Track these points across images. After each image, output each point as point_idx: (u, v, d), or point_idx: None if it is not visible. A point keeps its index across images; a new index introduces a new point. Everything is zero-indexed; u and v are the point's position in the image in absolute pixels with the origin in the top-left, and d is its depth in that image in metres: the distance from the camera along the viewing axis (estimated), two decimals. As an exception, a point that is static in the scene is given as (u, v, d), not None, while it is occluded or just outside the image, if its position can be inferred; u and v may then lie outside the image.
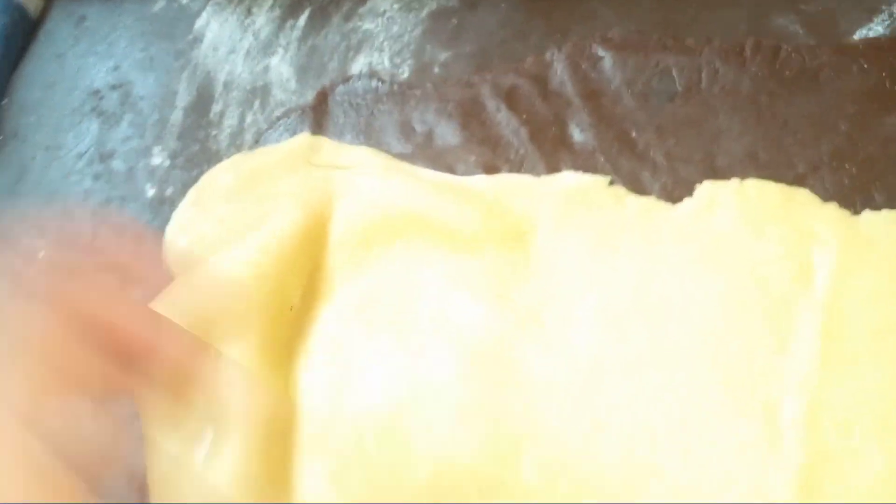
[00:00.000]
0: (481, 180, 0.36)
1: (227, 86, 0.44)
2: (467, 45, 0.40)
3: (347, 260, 0.35)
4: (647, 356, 0.29)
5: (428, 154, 0.38)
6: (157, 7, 0.49)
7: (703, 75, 0.35)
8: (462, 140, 0.37)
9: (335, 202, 0.36)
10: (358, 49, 0.42)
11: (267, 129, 0.42)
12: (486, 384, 0.31)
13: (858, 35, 0.34)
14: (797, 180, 0.32)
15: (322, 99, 0.41)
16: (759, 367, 0.28)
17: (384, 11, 0.43)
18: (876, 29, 0.34)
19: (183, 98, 0.44)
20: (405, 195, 0.35)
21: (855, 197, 0.31)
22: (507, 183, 0.35)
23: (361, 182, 0.37)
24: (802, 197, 0.31)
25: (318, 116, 0.41)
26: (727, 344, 0.29)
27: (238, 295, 0.33)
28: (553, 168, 0.35)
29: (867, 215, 0.30)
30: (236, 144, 0.42)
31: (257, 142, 0.42)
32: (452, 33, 0.41)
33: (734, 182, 0.32)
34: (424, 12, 0.42)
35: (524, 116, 0.37)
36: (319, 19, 0.44)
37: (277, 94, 0.43)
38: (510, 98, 0.38)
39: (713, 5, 0.37)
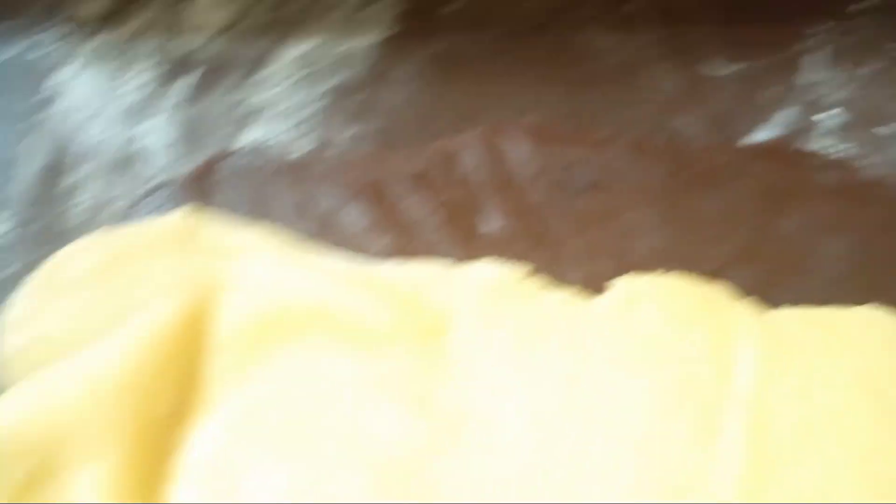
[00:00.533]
0: (392, 269, 0.33)
1: (87, 154, 0.39)
2: (373, 122, 0.39)
3: (233, 362, 0.31)
4: (576, 466, 0.28)
5: (330, 238, 0.35)
6: (4, 57, 0.44)
7: (613, 170, 0.36)
8: (369, 223, 0.35)
9: (220, 293, 0.32)
10: (250, 120, 0.39)
11: (139, 202, 0.37)
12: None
13: (752, 138, 0.36)
14: (711, 276, 0.32)
15: (207, 170, 0.38)
16: (688, 473, 0.28)
17: (281, 81, 0.40)
18: (765, 135, 0.36)
19: (30, 164, 0.39)
20: (305, 285, 0.32)
21: (765, 295, 0.32)
22: (420, 273, 0.33)
23: (253, 269, 0.33)
24: (719, 293, 0.31)
25: (201, 189, 0.37)
26: (657, 450, 0.28)
27: (94, 406, 0.28)
28: (468, 258, 0.34)
29: (781, 313, 0.31)
30: (97, 220, 0.37)
31: (127, 217, 0.37)
32: (357, 110, 0.39)
33: (652, 276, 0.32)
34: (326, 86, 0.40)
35: (435, 202, 0.35)
36: (204, 85, 0.40)
37: (154, 163, 0.38)
38: (420, 181, 0.36)
39: (620, 100, 0.38)
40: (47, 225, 0.37)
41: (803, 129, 0.36)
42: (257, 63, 0.41)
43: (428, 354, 0.30)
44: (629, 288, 0.32)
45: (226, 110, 0.39)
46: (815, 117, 0.36)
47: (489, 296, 0.32)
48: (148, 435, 0.29)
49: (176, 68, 0.41)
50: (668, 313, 0.30)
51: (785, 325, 0.30)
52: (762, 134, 0.36)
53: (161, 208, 0.37)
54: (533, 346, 0.30)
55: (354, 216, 0.35)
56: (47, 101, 0.41)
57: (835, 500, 0.26)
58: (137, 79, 0.41)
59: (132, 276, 0.33)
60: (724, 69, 0.39)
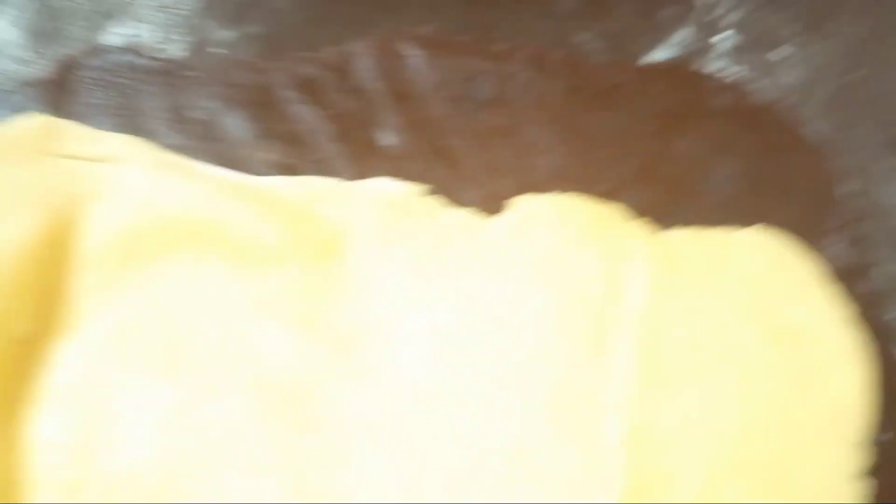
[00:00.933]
0: (280, 182, 0.31)
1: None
2: (254, 25, 0.35)
3: (102, 278, 0.28)
4: (473, 383, 0.28)
5: (210, 148, 0.32)
6: None
7: (513, 84, 0.35)
8: (253, 134, 0.33)
9: (85, 204, 0.29)
10: (112, 15, 0.35)
11: (-16, 105, 0.32)
12: (289, 428, 0.27)
13: (651, 57, 0.36)
14: (607, 196, 0.32)
15: (64, 71, 0.33)
16: (582, 388, 0.28)
17: (149, -27, 0.36)
18: (664, 54, 0.36)
19: None
20: (184, 196, 0.30)
21: (660, 215, 0.32)
22: (313, 187, 0.31)
23: (122, 178, 0.30)
24: (615, 213, 0.31)
25: (58, 94, 0.33)
26: (553, 365, 0.28)
27: None
28: (362, 173, 0.32)
29: (673, 233, 0.31)
30: (-65, 122, 0.32)
31: (-31, 121, 0.32)
32: (236, 10, 0.35)
33: (549, 196, 0.32)
34: (201, -19, 0.36)
35: (327, 113, 0.33)
36: (58, -28, 0.35)
37: (3, 61, 0.33)
38: (310, 90, 0.34)
39: (519, 11, 0.37)
40: None
41: (700, 49, 0.36)
42: (120, -49, 0.36)
43: (320, 273, 0.29)
44: (526, 207, 0.31)
45: (84, 3, 0.35)
46: (712, 39, 0.36)
47: (387, 213, 0.30)
48: (3, 358, 0.26)
49: (23, -50, 0.36)
50: (563, 232, 0.30)
51: (676, 246, 0.31)
52: (660, 53, 0.36)
53: (13, 113, 0.32)
54: (431, 264, 0.29)
55: (237, 126, 0.33)
56: None
57: (723, 415, 0.27)
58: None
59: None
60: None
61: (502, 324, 0.29)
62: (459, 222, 0.31)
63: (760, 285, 0.30)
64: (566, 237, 0.30)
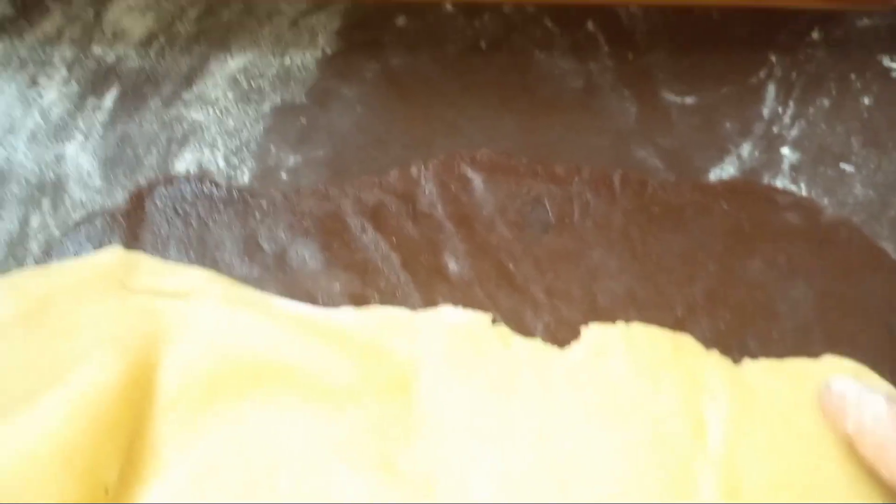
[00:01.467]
0: (350, 314, 0.32)
1: (3, 175, 0.35)
2: (319, 148, 0.36)
3: (181, 422, 0.29)
4: None
5: (281, 279, 0.33)
6: None
7: (575, 207, 0.35)
8: (323, 264, 0.33)
9: (163, 345, 0.30)
10: (183, 142, 0.36)
11: (62, 237, 0.34)
12: None
13: (713, 174, 0.36)
14: (677, 323, 0.32)
15: (138, 202, 0.34)
16: None
17: (216, 100, 0.37)
18: (728, 169, 0.36)
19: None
20: (258, 335, 0.30)
21: (731, 343, 0.32)
22: (382, 318, 0.31)
23: (199, 316, 0.31)
24: (688, 344, 0.31)
25: (132, 224, 0.34)
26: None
27: (34, 478, 0.25)
28: (429, 300, 0.32)
29: (748, 365, 0.31)
30: (16, 256, 0.33)
31: (47, 254, 0.33)
32: (301, 134, 0.37)
33: (620, 326, 0.32)
34: (266, 106, 0.37)
35: (394, 240, 0.34)
36: (132, 101, 0.37)
37: (76, 193, 0.35)
38: (376, 217, 0.34)
39: (577, 130, 0.37)
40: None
41: (764, 165, 0.36)
42: (187, 79, 0.38)
43: (392, 412, 0.29)
44: (598, 338, 0.31)
45: (155, 132, 0.36)
46: (776, 153, 0.36)
47: (456, 345, 0.31)
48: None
49: (97, 82, 0.37)
50: (639, 365, 0.30)
51: (753, 378, 0.30)
52: (724, 170, 0.36)
53: (87, 244, 0.33)
54: (502, 400, 0.29)
55: (306, 256, 0.33)
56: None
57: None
58: (51, 92, 0.37)
59: (57, 325, 0.30)
60: (682, 98, 0.38)
61: (577, 464, 0.28)
62: (529, 354, 0.31)
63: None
64: (642, 370, 0.30)
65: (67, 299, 0.31)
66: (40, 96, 0.37)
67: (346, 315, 0.31)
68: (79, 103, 0.37)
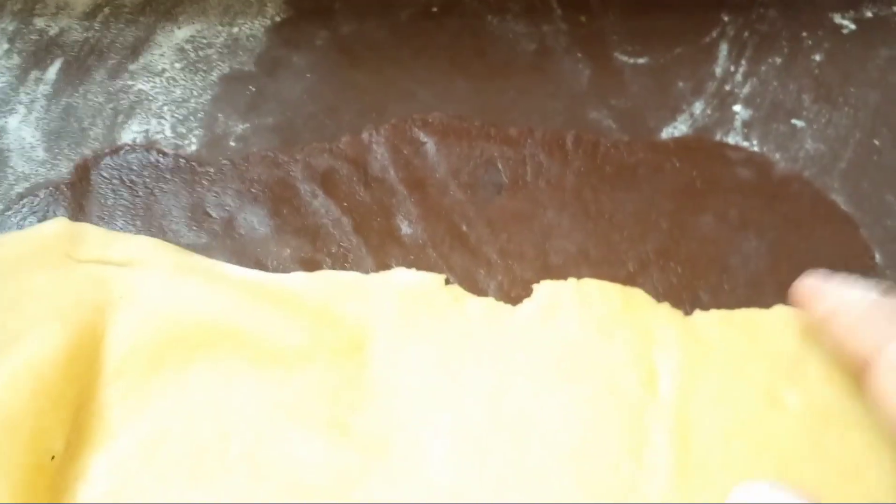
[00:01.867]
0: (301, 279, 0.31)
1: (-58, 152, 0.34)
2: (269, 116, 0.36)
3: (129, 389, 0.28)
4: (508, 480, 0.27)
5: (229, 246, 0.32)
6: None
7: (528, 168, 0.35)
8: (272, 229, 0.33)
9: (110, 314, 0.29)
10: (130, 113, 0.36)
11: (3, 211, 0.33)
12: None
13: (665, 133, 0.36)
14: (629, 279, 0.32)
15: (83, 173, 0.34)
16: (618, 483, 0.28)
17: (163, 70, 0.37)
18: (680, 128, 0.36)
19: None
20: (206, 300, 0.30)
21: (683, 296, 0.32)
22: (333, 282, 0.31)
23: (145, 284, 0.30)
24: (639, 297, 0.31)
25: (77, 195, 0.33)
26: (586, 462, 0.28)
27: None
28: (382, 264, 0.32)
29: (700, 316, 0.31)
30: (-43, 230, 0.33)
31: (-10, 227, 0.33)
32: (250, 102, 0.36)
33: (572, 282, 0.32)
34: (214, 75, 0.37)
35: (345, 204, 0.33)
36: (76, 73, 0.36)
37: (19, 165, 0.34)
38: (327, 182, 0.34)
39: (530, 93, 0.37)
40: None
41: (716, 122, 0.36)
42: (133, 51, 0.37)
43: (345, 373, 0.29)
44: (549, 295, 0.31)
45: (100, 104, 0.36)
46: (728, 111, 0.36)
47: (408, 307, 0.30)
48: (39, 476, 0.26)
49: (39, 54, 0.37)
50: (590, 319, 0.30)
51: (704, 328, 0.30)
52: (677, 128, 0.36)
53: (31, 217, 0.33)
54: (456, 360, 0.29)
55: (256, 222, 0.33)
56: None
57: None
58: (-5, 65, 0.36)
59: (6, 290, 0.30)
60: (635, 59, 0.38)
61: (532, 420, 0.28)
62: (482, 312, 0.31)
63: (793, 366, 0.29)
64: (593, 325, 0.30)
65: (10, 272, 0.30)
66: (-20, 70, 0.36)
67: (297, 280, 0.31)
68: (21, 76, 0.36)
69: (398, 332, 0.30)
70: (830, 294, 0.27)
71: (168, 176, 0.34)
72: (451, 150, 0.35)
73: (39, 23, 0.37)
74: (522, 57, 0.38)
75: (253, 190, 0.34)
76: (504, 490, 0.27)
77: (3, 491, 0.25)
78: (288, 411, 0.28)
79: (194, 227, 0.33)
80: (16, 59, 0.36)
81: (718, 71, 0.38)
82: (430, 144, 0.35)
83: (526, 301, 0.31)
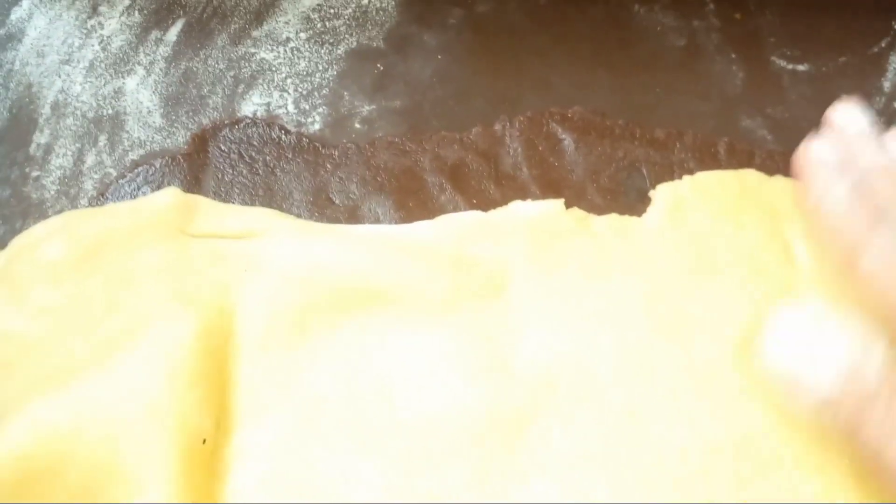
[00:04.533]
0: (426, 227, 0.29)
1: (58, 108, 0.32)
2: (396, 98, 0.33)
3: (276, 362, 0.26)
4: (680, 386, 0.26)
5: (352, 235, 0.30)
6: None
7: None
8: (398, 223, 0.30)
9: (237, 288, 0.27)
10: (251, 83, 0.33)
11: (118, 178, 0.31)
12: (510, 479, 0.25)
13: (826, 149, 0.32)
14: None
15: (200, 144, 0.32)
16: None
17: (287, 39, 0.34)
18: (842, 145, 0.32)
19: (-10, 115, 0.32)
20: (341, 262, 0.28)
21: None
22: (459, 225, 0.29)
23: (272, 253, 0.28)
24: (752, 177, 0.30)
25: (194, 168, 0.31)
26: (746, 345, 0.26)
27: (123, 441, 0.24)
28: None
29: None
30: (69, 195, 0.31)
31: (103, 195, 0.31)
32: (377, 82, 0.33)
33: (687, 179, 0.31)
34: (341, 49, 0.34)
35: (474, 202, 0.31)
36: (197, 35, 0.34)
37: (135, 130, 0.32)
38: (456, 176, 0.31)
39: (678, 93, 0.34)
40: (10, 198, 0.30)
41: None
42: (257, 16, 0.34)
43: (493, 315, 0.27)
44: (669, 196, 0.30)
45: (221, 71, 0.33)
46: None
47: (537, 237, 0.29)
48: (194, 460, 0.24)
49: (161, 13, 0.34)
50: (717, 211, 0.29)
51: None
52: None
53: (145, 186, 0.31)
54: (599, 277, 0.28)
55: (379, 212, 0.30)
56: (11, 40, 0.33)
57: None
58: (112, 22, 0.34)
59: (112, 271, 0.28)
60: (794, 65, 0.34)
61: (689, 319, 0.27)
62: (609, 227, 0.29)
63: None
64: (720, 215, 0.29)
65: (122, 244, 0.28)
66: (101, 26, 0.34)
67: (423, 229, 0.29)
68: (141, 35, 0.34)
69: (535, 263, 0.28)
70: (819, 187, 0.25)
71: (290, 155, 0.31)
72: (591, 150, 0.32)
73: (162, -21, 0.35)
74: (670, 53, 0.35)
75: (379, 178, 0.31)
76: (679, 396, 0.26)
77: (161, 480, 0.23)
78: (447, 361, 0.26)
79: (316, 214, 0.30)
80: (136, 17, 0.34)
81: (887, 86, 0.34)
82: (568, 141, 0.32)
83: (650, 208, 0.30)
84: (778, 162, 0.32)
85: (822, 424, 0.22)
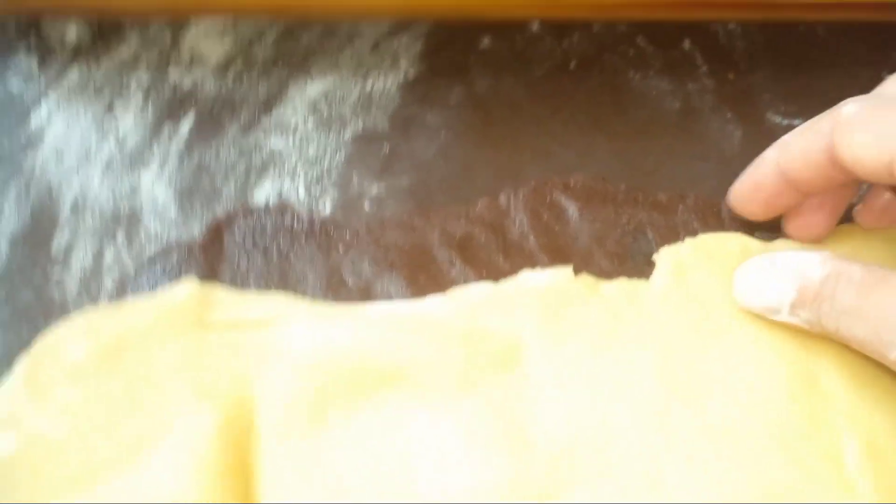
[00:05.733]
0: (439, 302, 0.30)
1: (78, 208, 0.33)
2: (403, 177, 0.34)
3: (296, 449, 0.27)
4: (700, 449, 0.26)
5: (366, 314, 0.30)
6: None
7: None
8: (411, 296, 0.31)
9: (255, 379, 0.28)
10: (262, 171, 0.34)
11: (136, 272, 0.32)
12: None
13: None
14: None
15: (215, 234, 0.32)
16: (803, 415, 0.27)
17: (296, 126, 0.35)
18: (844, 196, 0.33)
19: (10, 222, 0.33)
20: (357, 344, 0.28)
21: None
22: (471, 299, 0.30)
23: (288, 340, 0.29)
24: (749, 242, 0.31)
25: (209, 258, 0.32)
26: (769, 404, 0.27)
27: None
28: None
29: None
30: (90, 292, 0.31)
31: (122, 290, 0.31)
32: (384, 162, 0.34)
33: (688, 241, 0.31)
34: (347, 134, 0.35)
35: (484, 273, 0.31)
36: (209, 128, 0.35)
37: (151, 225, 0.33)
38: (465, 249, 0.32)
39: (677, 155, 0.34)
40: (32, 300, 0.31)
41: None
42: (265, 105, 0.36)
43: (509, 388, 0.28)
44: (672, 258, 0.30)
45: (233, 161, 0.34)
46: None
47: (549, 305, 0.29)
48: None
49: (173, 108, 0.35)
50: (721, 271, 0.29)
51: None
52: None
53: (163, 279, 0.32)
54: (613, 344, 0.28)
55: (391, 290, 0.31)
56: (31, 144, 0.35)
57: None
58: (128, 119, 0.35)
59: (135, 368, 0.28)
60: (790, 120, 0.35)
61: (704, 380, 0.27)
62: (619, 293, 0.30)
63: None
64: (725, 274, 0.29)
65: (143, 340, 0.29)
66: (116, 123, 0.35)
67: (436, 304, 0.30)
68: (155, 130, 0.35)
69: (547, 333, 0.28)
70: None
71: (303, 240, 0.32)
72: (595, 216, 0.32)
73: (174, 75, 0.36)
74: (667, 116, 0.35)
75: (389, 257, 0.32)
76: (698, 460, 0.26)
77: None
78: (466, 437, 0.26)
79: (330, 295, 0.31)
80: (150, 114, 0.35)
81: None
82: (571, 209, 0.33)
83: (654, 272, 0.30)
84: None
85: (801, 327, 0.27)
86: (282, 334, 0.29)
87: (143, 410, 0.27)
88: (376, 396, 0.27)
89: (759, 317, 0.28)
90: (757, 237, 0.31)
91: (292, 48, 0.37)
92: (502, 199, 0.33)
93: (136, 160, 0.34)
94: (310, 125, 0.35)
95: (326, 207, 0.33)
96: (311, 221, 0.32)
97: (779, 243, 0.31)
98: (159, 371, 0.28)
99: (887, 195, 0.30)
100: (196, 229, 0.33)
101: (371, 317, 0.29)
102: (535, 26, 0.37)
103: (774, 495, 0.25)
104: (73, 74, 0.36)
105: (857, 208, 0.31)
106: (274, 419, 0.27)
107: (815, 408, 0.27)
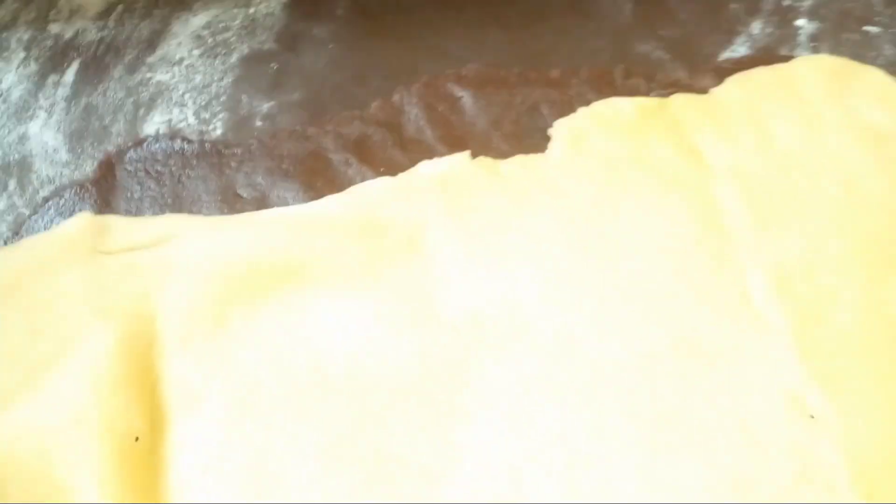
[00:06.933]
0: (336, 200, 0.29)
1: (-34, 163, 0.32)
2: (294, 92, 0.33)
3: (202, 352, 0.26)
4: (608, 297, 0.26)
5: (263, 225, 0.30)
6: None
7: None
8: (307, 202, 0.30)
9: (155, 293, 0.27)
10: (151, 105, 0.33)
11: (31, 216, 0.31)
12: (451, 419, 0.24)
13: (724, 57, 0.32)
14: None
15: (107, 169, 0.32)
16: (709, 258, 0.26)
17: (181, 59, 0.34)
18: (739, 49, 0.32)
19: None
20: (254, 244, 0.28)
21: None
22: (368, 193, 0.29)
23: (184, 251, 0.28)
24: (648, 101, 0.30)
25: (103, 192, 0.31)
26: (676, 252, 0.27)
27: (54, 450, 0.24)
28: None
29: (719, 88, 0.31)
30: (-13, 238, 0.31)
31: (17, 234, 0.31)
32: (273, 80, 0.34)
33: (581, 110, 0.30)
34: (234, 58, 0.34)
35: (382, 169, 0.30)
36: (94, 72, 0.34)
37: (42, 170, 0.32)
38: (361, 149, 0.31)
39: (570, 34, 0.34)
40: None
41: (779, 40, 0.32)
42: (149, 44, 0.35)
43: (414, 270, 0.27)
44: (567, 130, 0.30)
45: (120, 100, 0.34)
46: (790, 26, 0.32)
47: (449, 190, 0.29)
48: (127, 458, 0.24)
49: (56, 59, 0.35)
50: (618, 134, 0.29)
51: (727, 95, 0.30)
52: (736, 51, 0.32)
53: (58, 218, 0.31)
54: (513, 217, 0.28)
55: (290, 198, 0.30)
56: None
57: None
58: (10, 75, 0.34)
59: (32, 299, 0.28)
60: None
61: (610, 237, 0.27)
62: (517, 169, 0.29)
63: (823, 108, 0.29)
64: (623, 137, 0.29)
65: (40, 272, 0.28)
66: (1, 78, 0.34)
67: (333, 202, 0.29)
68: (39, 82, 0.34)
69: (449, 214, 0.28)
70: None
71: (194, 162, 0.31)
72: (489, 101, 0.32)
73: (54, 28, 0.35)
74: None
75: (284, 166, 0.31)
76: (607, 309, 0.26)
77: (94, 482, 0.23)
78: (374, 321, 0.26)
79: (226, 210, 0.30)
80: (33, 67, 0.35)
81: (775, -14, 0.33)
82: (466, 98, 0.32)
83: (550, 144, 0.30)
84: (678, 78, 0.32)
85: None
86: (178, 249, 0.28)
87: (44, 337, 0.26)
88: (279, 292, 0.27)
89: (662, 172, 0.28)
90: (653, 96, 0.31)
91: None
92: (395, 97, 0.32)
93: (21, 112, 0.34)
94: (195, 55, 0.34)
95: (218, 130, 0.33)
96: (202, 143, 0.32)
97: (675, 98, 0.30)
98: (58, 299, 0.27)
99: None
100: (89, 168, 0.32)
101: (268, 219, 0.29)
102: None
103: (683, 337, 0.25)
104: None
105: None
106: (176, 327, 0.26)
107: (721, 248, 0.26)
